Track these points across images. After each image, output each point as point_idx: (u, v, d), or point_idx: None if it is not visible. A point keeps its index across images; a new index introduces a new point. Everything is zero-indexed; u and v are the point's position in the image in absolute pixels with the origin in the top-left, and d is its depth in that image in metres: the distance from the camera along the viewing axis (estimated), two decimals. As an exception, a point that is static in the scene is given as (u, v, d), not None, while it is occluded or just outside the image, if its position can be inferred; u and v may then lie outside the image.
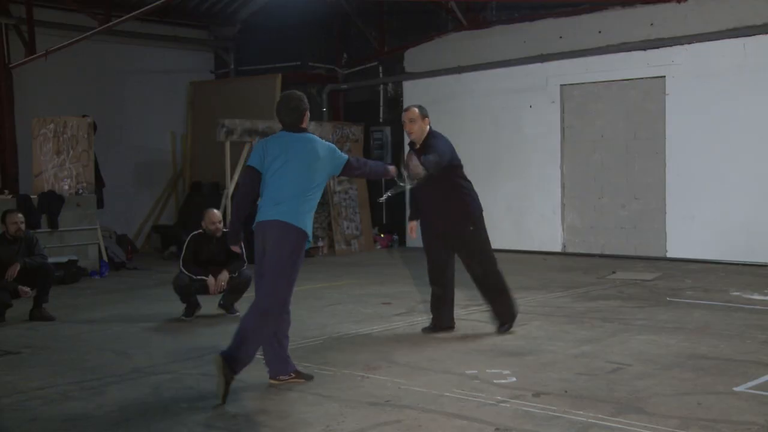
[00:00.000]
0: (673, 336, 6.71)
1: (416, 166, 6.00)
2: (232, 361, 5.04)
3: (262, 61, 16.10)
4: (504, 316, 6.97)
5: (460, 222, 6.80)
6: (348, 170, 5.54)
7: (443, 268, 6.96)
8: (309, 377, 5.53)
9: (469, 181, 6.92)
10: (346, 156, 5.49)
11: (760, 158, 11.08)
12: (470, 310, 7.96)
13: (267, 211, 5.28)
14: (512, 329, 7.07)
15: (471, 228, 6.83)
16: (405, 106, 7.11)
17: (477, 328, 7.13)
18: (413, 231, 7.13)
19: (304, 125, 5.44)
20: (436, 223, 6.87)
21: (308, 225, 5.29)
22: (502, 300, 6.96)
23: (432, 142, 6.69)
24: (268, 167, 5.33)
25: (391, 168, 5.83)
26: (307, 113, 5.46)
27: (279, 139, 5.43)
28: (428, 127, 6.84)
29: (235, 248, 5.73)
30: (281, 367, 5.45)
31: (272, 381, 5.45)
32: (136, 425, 4.69)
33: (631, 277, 10.35)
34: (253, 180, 5.39)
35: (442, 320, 7.05)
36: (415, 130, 6.77)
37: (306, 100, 5.49)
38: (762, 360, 5.84)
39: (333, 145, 5.49)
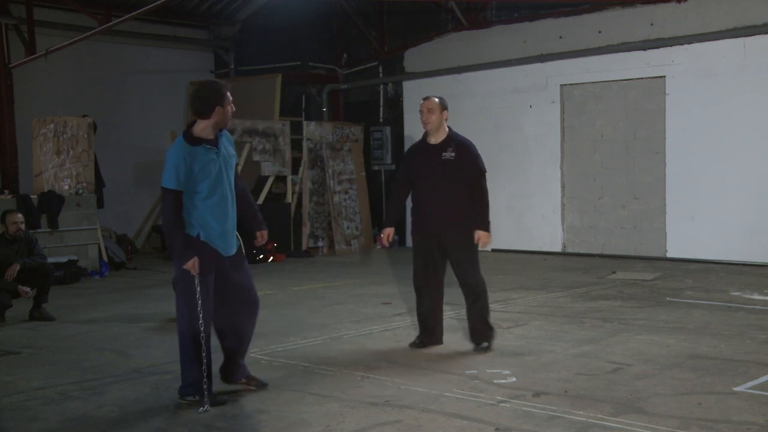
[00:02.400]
0: (673, 336, 6.71)
1: None
2: (184, 388, 5.03)
3: (262, 61, 16.11)
4: (486, 334, 6.39)
5: (461, 224, 6.31)
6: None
7: (434, 275, 6.43)
8: (262, 384, 5.36)
9: (487, 190, 6.41)
10: (162, 185, 4.95)
11: (760, 158, 11.08)
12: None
13: None
14: (510, 330, 7.07)
15: (469, 232, 6.33)
16: (424, 96, 6.58)
17: (477, 328, 7.12)
18: (389, 238, 6.55)
19: (201, 122, 5.02)
20: (438, 222, 6.33)
21: (187, 227, 5.01)
22: (485, 316, 6.40)
23: (471, 152, 6.32)
24: None
25: (189, 261, 5.01)
26: (218, 108, 4.97)
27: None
28: (446, 122, 6.43)
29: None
30: (234, 373, 5.35)
31: (225, 382, 5.36)
32: (136, 425, 4.69)
33: (631, 277, 10.35)
34: None
35: (432, 337, 6.55)
36: (432, 121, 6.36)
37: (214, 93, 4.99)
38: (762, 360, 5.84)
39: (168, 162, 4.94)
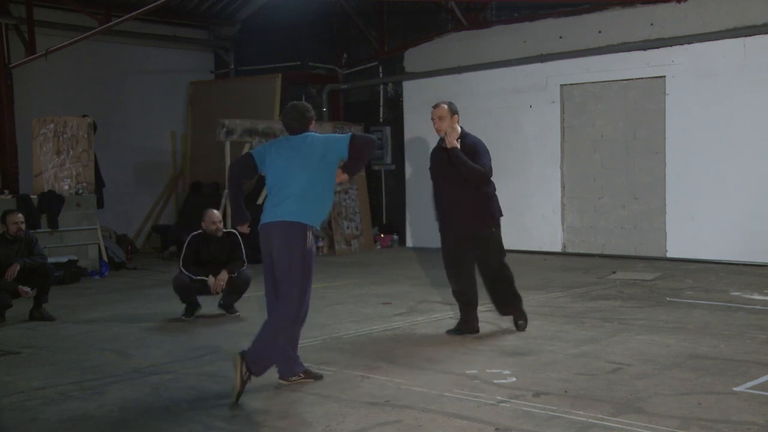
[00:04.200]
0: (673, 336, 6.71)
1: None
2: (252, 362, 5.09)
3: (262, 61, 16.11)
4: (517, 313, 6.97)
5: (484, 223, 6.69)
6: (354, 146, 5.34)
7: (468, 273, 6.81)
8: (318, 376, 5.56)
9: (494, 185, 6.82)
10: (349, 134, 5.44)
11: (760, 158, 11.07)
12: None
13: (270, 212, 5.34)
14: (509, 330, 7.07)
15: (493, 230, 6.76)
16: (433, 103, 6.88)
17: (477, 328, 7.12)
18: None
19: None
20: (461, 225, 6.70)
21: (314, 220, 5.33)
22: (514, 300, 6.93)
23: (478, 150, 6.62)
24: (269, 167, 5.44)
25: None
26: (314, 122, 5.57)
27: (282, 141, 5.58)
28: (458, 125, 6.70)
29: (242, 228, 5.60)
30: (290, 367, 5.47)
31: (281, 381, 5.47)
32: (136, 425, 4.69)
33: (631, 277, 10.35)
34: (245, 162, 5.58)
35: (469, 324, 6.93)
36: (444, 127, 6.61)
37: (312, 111, 5.61)
38: (762, 360, 5.84)
39: (331, 134, 5.60)
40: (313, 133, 5.48)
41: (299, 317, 5.36)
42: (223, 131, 12.95)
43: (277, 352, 5.27)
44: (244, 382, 5.02)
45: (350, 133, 5.45)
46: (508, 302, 6.95)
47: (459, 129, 6.70)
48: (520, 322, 6.97)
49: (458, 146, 6.56)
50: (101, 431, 4.62)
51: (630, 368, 5.67)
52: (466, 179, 6.57)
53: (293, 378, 5.45)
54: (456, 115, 6.66)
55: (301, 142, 5.42)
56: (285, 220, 5.25)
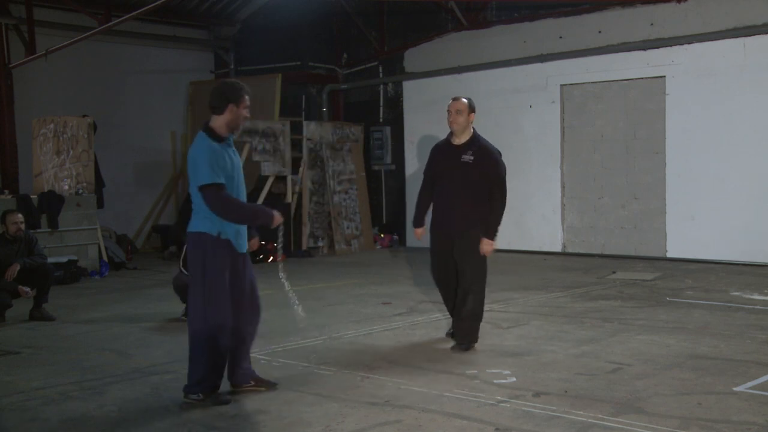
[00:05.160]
0: (673, 336, 6.71)
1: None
2: (199, 387, 5.01)
3: (262, 61, 16.11)
4: (469, 337, 6.40)
5: (476, 226, 6.34)
6: (204, 199, 4.93)
7: (453, 271, 6.46)
8: (272, 385, 5.35)
9: (503, 199, 6.47)
10: (204, 182, 4.88)
11: (760, 158, 11.08)
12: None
13: None
14: (510, 330, 7.07)
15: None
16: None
17: (477, 328, 7.11)
18: (421, 236, 6.63)
19: (216, 119, 5.07)
20: (460, 224, 6.34)
21: (214, 225, 4.98)
22: (474, 319, 6.39)
23: (491, 156, 6.33)
24: None
25: (274, 215, 5.07)
26: (234, 106, 5.05)
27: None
28: (472, 126, 6.44)
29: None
30: (241, 376, 5.30)
31: (233, 387, 5.31)
32: (136, 425, 4.69)
33: (631, 277, 10.35)
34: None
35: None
36: (459, 122, 6.34)
37: (238, 93, 5.06)
38: (762, 360, 5.84)
39: (201, 158, 4.93)
40: (199, 137, 5.02)
41: (203, 329, 4.98)
42: (223, 131, 12.92)
43: (193, 361, 5.05)
44: (216, 399, 5.01)
45: (204, 183, 4.87)
46: (468, 327, 6.41)
47: (472, 130, 6.44)
48: (464, 345, 6.37)
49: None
50: (101, 431, 4.63)
51: (630, 368, 5.67)
52: (468, 183, 6.36)
53: (246, 386, 5.28)
54: (473, 114, 6.40)
55: (194, 144, 5.06)
56: (189, 231, 5.10)
